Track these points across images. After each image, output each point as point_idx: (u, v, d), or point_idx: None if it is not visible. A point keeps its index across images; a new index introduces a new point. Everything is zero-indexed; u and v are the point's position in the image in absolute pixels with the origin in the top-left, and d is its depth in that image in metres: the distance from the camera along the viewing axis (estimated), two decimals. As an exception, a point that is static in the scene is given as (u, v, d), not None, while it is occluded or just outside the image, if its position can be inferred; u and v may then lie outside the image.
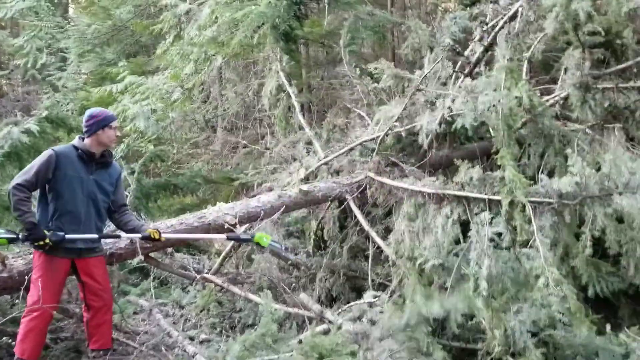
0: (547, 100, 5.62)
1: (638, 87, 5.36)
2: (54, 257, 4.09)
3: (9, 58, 17.58)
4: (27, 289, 4.23)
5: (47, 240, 3.98)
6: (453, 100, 5.33)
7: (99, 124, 4.24)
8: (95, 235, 4.22)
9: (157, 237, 4.43)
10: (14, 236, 4.03)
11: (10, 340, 4.28)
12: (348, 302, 5.18)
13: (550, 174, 4.93)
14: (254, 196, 5.69)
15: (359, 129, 6.78)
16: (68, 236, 4.05)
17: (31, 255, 4.44)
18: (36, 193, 4.21)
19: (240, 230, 5.55)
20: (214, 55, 8.88)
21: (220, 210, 5.33)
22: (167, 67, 10.41)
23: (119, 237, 4.49)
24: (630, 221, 4.30)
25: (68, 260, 4.18)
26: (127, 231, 4.45)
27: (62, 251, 4.10)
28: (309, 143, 7.28)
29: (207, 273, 5.63)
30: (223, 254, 5.99)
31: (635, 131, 5.40)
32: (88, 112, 4.33)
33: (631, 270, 4.62)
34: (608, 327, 4.67)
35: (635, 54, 5.56)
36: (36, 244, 3.99)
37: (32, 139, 6.64)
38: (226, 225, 5.20)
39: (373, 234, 5.59)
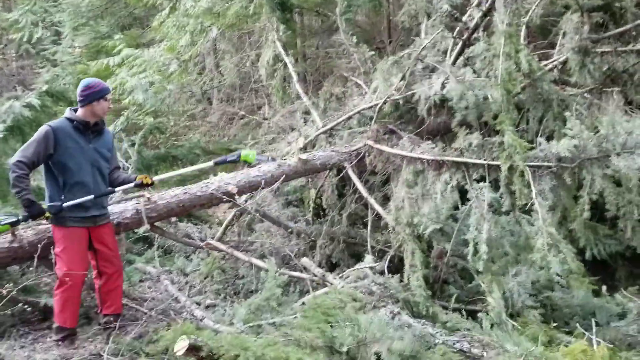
0: (546, 65, 5.65)
1: (637, 51, 5.40)
2: (73, 228, 4.19)
3: (1, 32, 17.39)
4: (39, 258, 4.31)
5: (47, 214, 4.08)
6: (447, 78, 5.34)
7: (94, 96, 4.23)
8: (92, 196, 4.23)
9: (149, 182, 4.54)
10: (15, 219, 4.12)
11: (25, 307, 4.36)
12: (348, 268, 5.27)
13: (549, 138, 4.98)
14: (254, 166, 5.72)
15: (356, 97, 6.79)
16: (65, 204, 4.12)
17: (40, 227, 4.52)
18: (41, 169, 4.27)
19: (241, 199, 5.62)
20: (209, 26, 8.83)
21: (222, 180, 5.38)
22: (163, 40, 10.37)
23: (113, 191, 4.57)
24: (628, 184, 4.37)
25: (86, 230, 4.28)
26: (119, 185, 4.54)
27: (79, 221, 4.20)
28: (307, 113, 7.29)
29: (211, 240, 5.70)
30: (225, 222, 6.06)
31: (634, 94, 5.45)
32: (83, 83, 4.30)
33: (628, 232, 4.69)
34: (604, 288, 4.80)
35: (634, 17, 5.58)
36: (35, 219, 4.11)
37: (33, 113, 6.67)
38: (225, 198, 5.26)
39: (372, 201, 5.65)
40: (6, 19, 14.03)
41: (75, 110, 4.30)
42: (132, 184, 4.52)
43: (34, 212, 4.06)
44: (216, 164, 5.05)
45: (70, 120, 4.23)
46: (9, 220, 4.10)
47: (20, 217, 4.12)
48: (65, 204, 4.12)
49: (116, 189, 4.56)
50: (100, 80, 4.40)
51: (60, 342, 4.18)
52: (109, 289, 4.44)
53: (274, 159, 5.70)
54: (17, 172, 4.00)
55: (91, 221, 4.29)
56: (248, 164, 5.21)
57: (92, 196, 4.24)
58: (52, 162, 4.15)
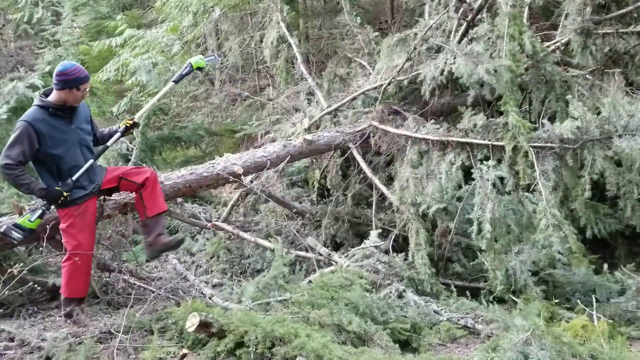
0: (548, 46, 5.68)
1: (638, 32, 5.42)
2: (81, 203, 4.16)
3: (-1, 13, 17.30)
4: (46, 238, 4.28)
5: (65, 194, 4.03)
6: (455, 58, 5.36)
7: (69, 83, 3.99)
8: (91, 160, 4.21)
9: (131, 122, 4.49)
10: (41, 211, 4.07)
11: (35, 286, 4.44)
12: (353, 247, 5.36)
13: (552, 119, 5.04)
14: (259, 146, 5.79)
15: (360, 78, 6.83)
16: (74, 177, 4.08)
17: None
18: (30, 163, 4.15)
19: (247, 179, 5.69)
20: (212, 7, 8.82)
21: (228, 161, 5.44)
22: (164, 20, 10.35)
23: (106, 147, 4.52)
24: (629, 164, 4.44)
25: (94, 198, 4.29)
26: (107, 140, 4.49)
27: (86, 196, 4.17)
28: (310, 93, 7.33)
29: (217, 221, 5.78)
30: (231, 202, 6.15)
31: (635, 76, 5.49)
32: (60, 67, 4.04)
33: (628, 211, 4.77)
34: (605, 266, 4.89)
35: (635, -2, 5.60)
36: (59, 202, 4.04)
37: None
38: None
39: (376, 181, 5.73)
40: (5, -1, 13.98)
41: (46, 95, 4.12)
42: (119, 134, 4.47)
43: (52, 196, 4.02)
44: (175, 81, 4.91)
45: (44, 107, 4.03)
46: (37, 215, 4.06)
47: (44, 207, 4.09)
48: (73, 178, 4.08)
49: (109, 144, 4.49)
50: (80, 68, 4.10)
51: (68, 316, 4.20)
52: (150, 191, 4.39)
53: (219, 55, 5.57)
54: (12, 172, 3.92)
55: (96, 189, 4.28)
56: (200, 69, 5.00)
57: (92, 160, 4.21)
58: (41, 155, 4.04)
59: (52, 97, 4.05)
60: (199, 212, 6.18)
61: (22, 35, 16.03)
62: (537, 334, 2.75)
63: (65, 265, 4.18)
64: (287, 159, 5.76)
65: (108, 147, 4.54)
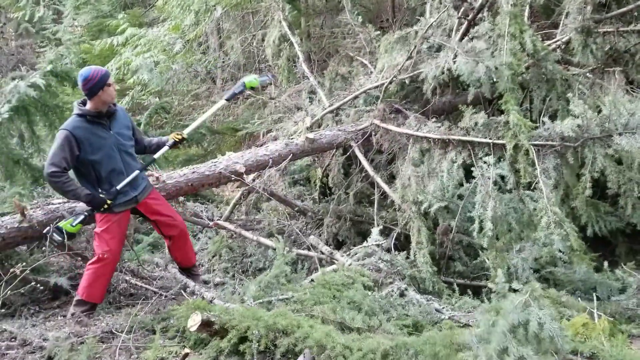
0: (549, 45, 5.69)
1: (638, 31, 5.43)
2: (118, 212, 4.33)
3: (0, 11, 17.33)
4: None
5: (109, 202, 4.21)
6: (455, 56, 5.38)
7: (97, 86, 4.17)
8: (137, 171, 4.39)
9: (181, 137, 4.69)
10: (83, 216, 4.23)
11: (37, 286, 4.45)
12: (354, 246, 5.38)
13: (553, 117, 5.04)
14: (261, 145, 5.80)
15: (362, 77, 6.84)
16: (119, 186, 4.27)
17: (49, 206, 4.62)
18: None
19: (249, 178, 5.71)
20: (214, 5, 8.84)
21: (230, 159, 5.47)
22: (166, 19, 10.37)
23: (154, 160, 4.72)
24: (629, 162, 4.44)
25: (128, 211, 4.45)
26: (154, 151, 4.68)
27: (122, 205, 4.34)
28: (312, 92, 7.35)
29: (219, 220, 5.80)
30: (233, 201, 6.16)
31: (635, 74, 5.50)
32: (82, 76, 4.18)
33: (629, 209, 4.77)
34: (606, 264, 4.90)
35: (636, -3, 5.60)
36: (102, 209, 4.21)
37: (38, 93, 6.66)
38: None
39: (378, 179, 5.74)
40: (6, -3, 14.00)
41: (84, 103, 4.28)
42: (167, 147, 4.65)
43: (96, 203, 4.18)
44: (227, 100, 5.16)
45: (82, 115, 4.20)
46: (79, 220, 4.21)
47: (86, 213, 4.24)
48: (118, 187, 4.26)
49: (156, 156, 4.68)
50: (97, 68, 4.28)
51: (78, 316, 4.27)
52: (178, 247, 4.75)
53: (273, 75, 5.69)
54: (58, 179, 4.05)
55: (133, 201, 4.42)
56: (253, 89, 5.27)
57: (137, 171, 4.39)
58: (80, 162, 4.18)
59: (88, 105, 4.23)
60: (201, 211, 6.21)
61: (24, 34, 16.08)
62: (535, 296, 2.81)
63: (91, 268, 4.33)
64: (289, 157, 5.79)
65: (155, 159, 4.73)
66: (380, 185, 5.70)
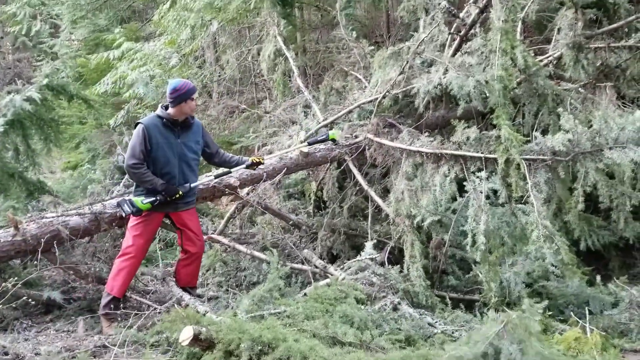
0: (541, 60, 5.74)
1: (629, 46, 5.49)
2: (151, 211, 4.57)
3: (-2, 25, 17.38)
4: (42, 251, 4.52)
5: (180, 193, 4.58)
6: (447, 70, 5.43)
7: (182, 97, 4.54)
8: (212, 177, 5.05)
9: (260, 160, 5.11)
10: (154, 198, 4.52)
11: (29, 299, 4.45)
12: (349, 260, 5.38)
13: (544, 132, 5.08)
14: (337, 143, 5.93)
15: (356, 91, 6.87)
16: (193, 185, 4.72)
17: (43, 220, 4.63)
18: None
19: (243, 192, 5.73)
20: (210, 20, 8.89)
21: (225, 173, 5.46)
22: (163, 33, 10.42)
23: (229, 172, 5.12)
24: (621, 176, 4.47)
25: (162, 214, 4.73)
26: (233, 166, 5.06)
27: (159, 206, 4.58)
28: (307, 106, 7.38)
29: (213, 234, 5.80)
30: (227, 215, 6.16)
31: (626, 89, 5.55)
32: (172, 85, 4.57)
33: (621, 223, 4.80)
34: (598, 278, 4.91)
35: (627, 13, 5.69)
36: (173, 197, 4.55)
37: (34, 107, 6.69)
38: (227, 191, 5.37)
39: (372, 193, 5.77)
40: (3, 12, 14.03)
41: (166, 108, 4.64)
42: (244, 167, 5.05)
43: (170, 192, 4.53)
44: (310, 144, 5.68)
45: (160, 117, 4.59)
46: (149, 200, 4.50)
47: (158, 197, 4.52)
48: (192, 184, 4.69)
49: (232, 171, 5.08)
50: (186, 82, 4.67)
51: (105, 311, 4.50)
52: (186, 264, 4.88)
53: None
54: (137, 171, 4.45)
55: (172, 207, 4.69)
56: (334, 141, 5.73)
57: (212, 177, 5.05)
58: (147, 156, 4.53)
59: (169, 111, 4.62)
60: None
61: (20, 48, 16.15)
62: (510, 327, 2.77)
63: (116, 262, 4.61)
64: (284, 171, 5.81)
65: (230, 172, 5.15)
66: (374, 199, 5.72)
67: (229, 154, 5.12)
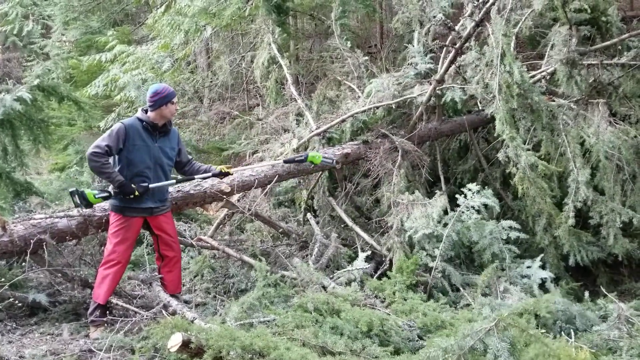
0: (534, 76, 5.78)
1: (622, 64, 5.54)
2: (129, 217, 4.56)
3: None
4: (30, 253, 4.46)
5: (136, 193, 4.46)
6: (441, 82, 5.45)
7: (162, 100, 4.54)
8: (173, 181, 4.79)
9: (227, 171, 4.98)
10: (107, 194, 4.49)
11: (14, 302, 4.38)
12: (338, 269, 5.36)
13: (537, 147, 5.11)
14: (320, 167, 5.88)
15: (350, 101, 6.87)
16: (151, 185, 4.57)
17: (31, 222, 4.58)
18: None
19: (234, 198, 5.70)
20: (204, 26, 8.88)
21: (216, 179, 5.43)
22: (155, 37, 10.39)
23: (193, 178, 5.01)
24: (611, 193, 4.50)
25: (141, 219, 4.67)
26: (198, 173, 4.97)
27: (135, 211, 4.57)
28: (299, 114, 7.37)
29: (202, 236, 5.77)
30: (217, 221, 6.12)
31: (618, 106, 5.59)
32: (152, 89, 4.58)
33: (610, 240, 4.83)
34: (587, 294, 4.92)
35: (619, 31, 5.73)
36: (128, 197, 4.45)
37: (24, 107, 6.64)
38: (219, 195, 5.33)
39: (357, 229, 5.76)
40: (-5, 12, 13.95)
41: (146, 111, 4.62)
42: (211, 175, 4.95)
43: (126, 189, 4.43)
44: (285, 162, 5.61)
45: (140, 120, 4.57)
46: (102, 195, 4.46)
47: (110, 193, 4.48)
48: (151, 185, 4.55)
49: (196, 177, 4.98)
50: (167, 86, 4.71)
51: (92, 322, 4.47)
52: (169, 270, 4.88)
53: (336, 162, 5.84)
54: (98, 160, 4.34)
55: (147, 212, 4.65)
56: (314, 165, 5.60)
57: (174, 181, 4.79)
58: (119, 157, 4.51)
59: (149, 114, 4.60)
60: (184, 230, 6.15)
61: (11, 47, 16.01)
62: (502, 325, 2.76)
63: (100, 270, 4.56)
64: (275, 178, 5.78)
65: (194, 179, 5.05)
66: (360, 234, 5.70)
67: (198, 164, 5.09)
